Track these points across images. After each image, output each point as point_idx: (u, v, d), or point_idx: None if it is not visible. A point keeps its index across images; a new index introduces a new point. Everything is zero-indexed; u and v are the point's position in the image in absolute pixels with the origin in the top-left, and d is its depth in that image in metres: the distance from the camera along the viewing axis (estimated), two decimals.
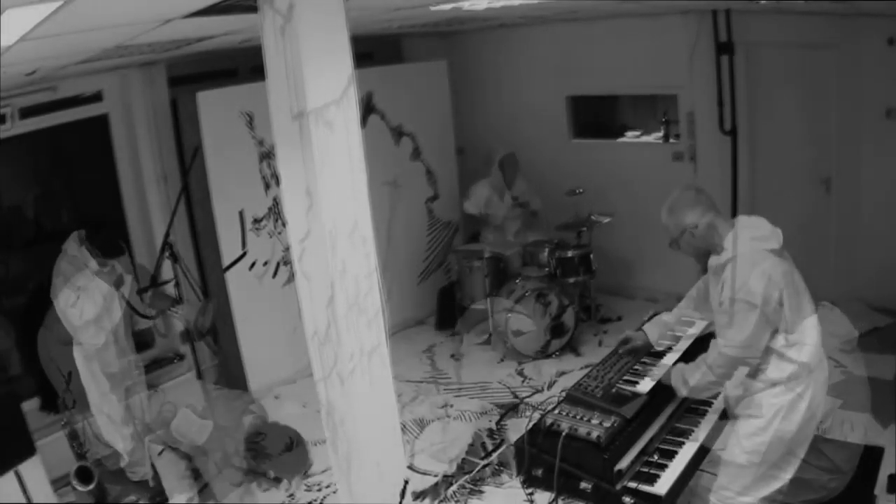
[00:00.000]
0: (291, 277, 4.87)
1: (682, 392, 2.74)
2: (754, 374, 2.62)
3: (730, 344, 2.56)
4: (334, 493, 3.94)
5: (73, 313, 3.93)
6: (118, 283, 4.17)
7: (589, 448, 2.57)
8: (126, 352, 4.30)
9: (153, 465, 4.26)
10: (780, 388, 2.58)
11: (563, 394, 2.89)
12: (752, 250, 2.53)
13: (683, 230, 2.65)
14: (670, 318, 3.13)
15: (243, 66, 5.33)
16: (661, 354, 3.08)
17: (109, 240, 4.19)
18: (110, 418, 4.13)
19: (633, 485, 2.54)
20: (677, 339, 3.19)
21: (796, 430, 2.59)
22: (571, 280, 5.61)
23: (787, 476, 2.65)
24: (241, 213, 5.08)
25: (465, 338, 5.89)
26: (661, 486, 2.54)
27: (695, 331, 3.22)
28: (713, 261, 2.64)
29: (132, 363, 4.34)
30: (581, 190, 5.75)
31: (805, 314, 2.57)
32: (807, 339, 2.57)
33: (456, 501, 3.90)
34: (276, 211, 5.24)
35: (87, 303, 3.95)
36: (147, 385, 4.56)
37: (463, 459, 4.23)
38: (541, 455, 2.65)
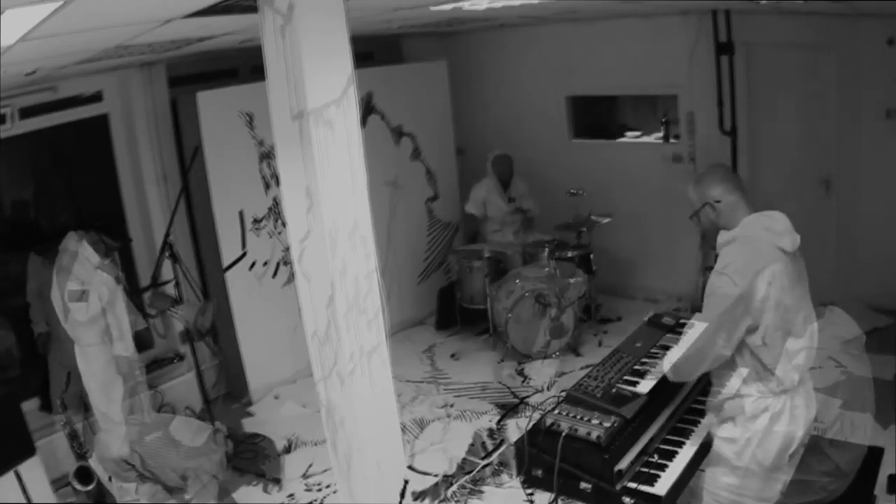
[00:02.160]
0: (291, 277, 4.87)
1: (669, 373, 2.70)
2: (731, 368, 2.56)
3: (703, 317, 2.52)
4: (334, 493, 3.94)
5: (80, 308, 3.92)
6: (119, 278, 4.18)
7: (589, 448, 2.56)
8: (129, 349, 4.30)
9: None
10: (752, 407, 2.54)
11: (563, 394, 2.89)
12: (760, 238, 2.53)
13: (705, 203, 2.65)
14: None
15: (243, 66, 5.33)
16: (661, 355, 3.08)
17: (109, 232, 4.21)
18: (111, 418, 4.13)
19: (632, 485, 2.54)
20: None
21: (773, 456, 2.56)
22: (571, 280, 5.61)
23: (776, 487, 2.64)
24: (241, 213, 5.08)
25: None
26: (661, 487, 2.53)
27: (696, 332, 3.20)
28: (721, 236, 2.63)
29: (134, 363, 4.34)
30: (581, 190, 5.75)
31: (792, 330, 2.51)
32: (789, 355, 2.51)
33: (456, 501, 3.90)
34: (276, 211, 5.23)
35: (93, 297, 3.95)
36: (147, 385, 4.56)
37: (463, 459, 4.23)
38: (541, 455, 2.65)
